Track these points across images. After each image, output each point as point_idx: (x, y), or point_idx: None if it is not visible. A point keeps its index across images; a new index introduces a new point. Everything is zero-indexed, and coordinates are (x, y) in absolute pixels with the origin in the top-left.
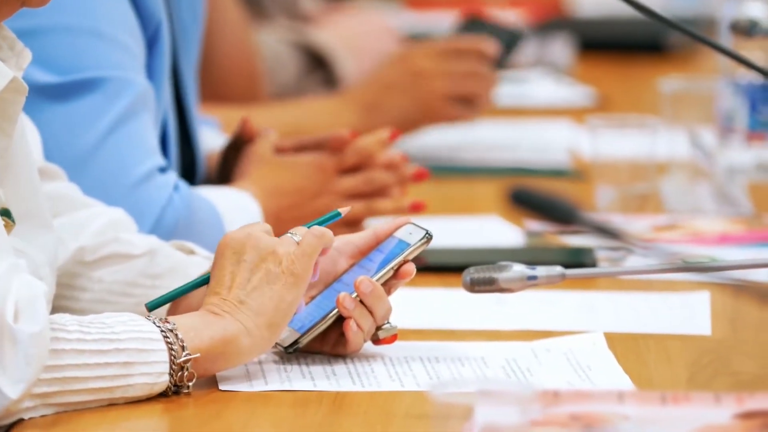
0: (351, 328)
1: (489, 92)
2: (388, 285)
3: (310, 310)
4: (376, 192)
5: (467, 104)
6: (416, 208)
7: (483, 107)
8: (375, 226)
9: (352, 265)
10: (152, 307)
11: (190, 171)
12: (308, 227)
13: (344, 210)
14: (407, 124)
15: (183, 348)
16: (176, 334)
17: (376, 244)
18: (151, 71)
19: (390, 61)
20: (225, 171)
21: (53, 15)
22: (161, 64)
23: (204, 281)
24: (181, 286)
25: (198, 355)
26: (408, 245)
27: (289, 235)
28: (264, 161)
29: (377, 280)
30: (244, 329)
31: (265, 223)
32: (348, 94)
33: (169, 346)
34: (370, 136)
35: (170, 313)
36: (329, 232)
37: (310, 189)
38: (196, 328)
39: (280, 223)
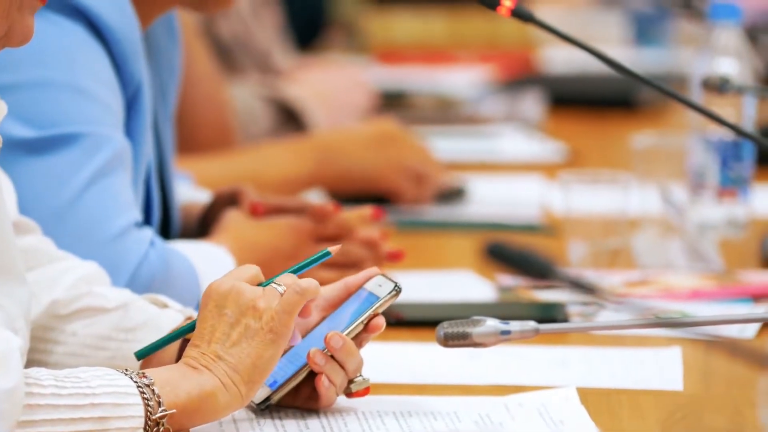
0: (323, 383)
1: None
2: (359, 338)
3: (281, 365)
4: (351, 264)
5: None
6: (395, 257)
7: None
8: (346, 278)
9: (323, 318)
10: (141, 355)
11: (164, 226)
12: (297, 268)
13: (334, 249)
14: None
15: (159, 404)
16: (153, 390)
17: (347, 296)
18: (131, 130)
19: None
20: (207, 224)
21: (33, 70)
22: (142, 123)
23: (191, 328)
24: (169, 334)
25: (174, 411)
26: (377, 298)
27: (273, 285)
28: (242, 218)
29: (347, 334)
30: (221, 385)
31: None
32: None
33: (146, 401)
34: (353, 211)
35: (144, 365)
36: (312, 286)
37: (285, 250)
38: (173, 382)
39: None
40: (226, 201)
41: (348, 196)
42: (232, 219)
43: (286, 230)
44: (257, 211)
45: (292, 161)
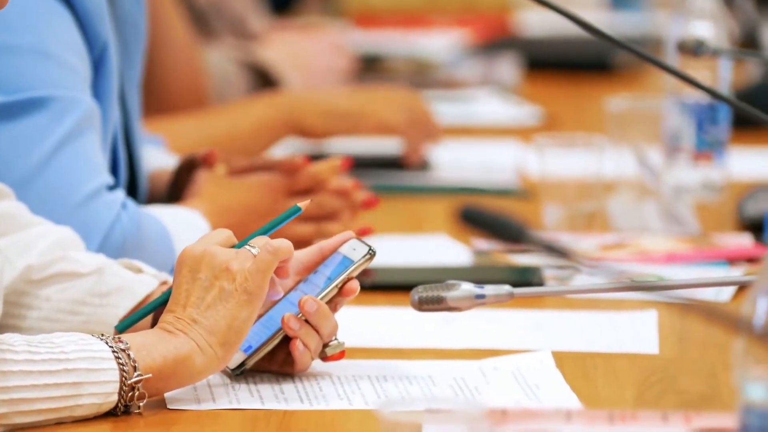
0: (297, 347)
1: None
2: (334, 302)
3: (256, 331)
4: (327, 216)
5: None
6: (364, 233)
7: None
8: (320, 242)
9: (297, 282)
10: (122, 328)
11: (131, 190)
12: (269, 227)
13: (303, 204)
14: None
15: (135, 368)
16: (128, 354)
17: (322, 259)
18: (98, 92)
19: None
20: (176, 189)
21: None
22: (109, 84)
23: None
24: (147, 305)
25: (149, 375)
26: (352, 262)
27: (247, 248)
28: (214, 181)
29: (322, 299)
30: (197, 348)
31: None
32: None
33: (121, 366)
34: (323, 162)
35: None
36: (285, 246)
37: (259, 208)
38: (148, 346)
39: None
40: (190, 165)
41: (341, 136)
42: (204, 182)
43: (258, 188)
44: (210, 161)
45: (266, 109)
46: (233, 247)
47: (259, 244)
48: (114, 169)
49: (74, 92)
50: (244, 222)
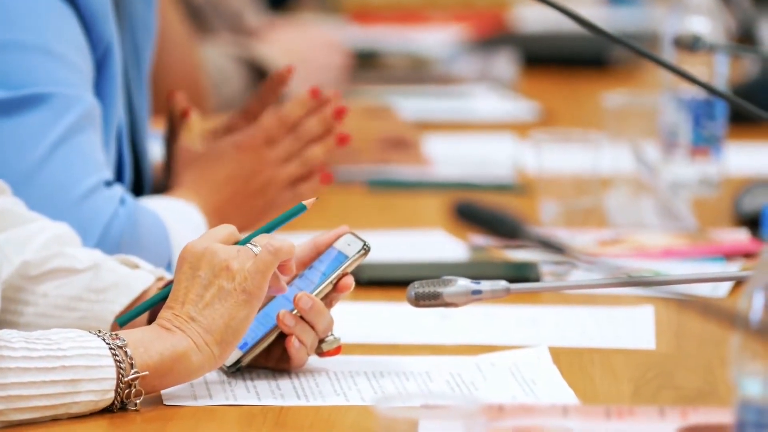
0: (293, 344)
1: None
2: (329, 298)
3: (252, 327)
4: (309, 144)
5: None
6: (343, 141)
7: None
8: (315, 237)
9: (293, 278)
10: (123, 322)
11: (137, 187)
12: (272, 225)
13: (309, 202)
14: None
15: (132, 365)
16: (125, 351)
17: (316, 255)
18: (101, 92)
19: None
20: (168, 167)
21: (1, 32)
22: (112, 84)
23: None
24: (149, 300)
25: (146, 372)
26: (346, 257)
27: (249, 246)
28: (191, 160)
29: (316, 295)
30: (194, 346)
31: (212, 223)
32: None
33: (118, 363)
34: (291, 102)
35: (114, 326)
36: (286, 246)
37: (244, 172)
38: (146, 343)
39: (224, 218)
40: (175, 130)
41: None
42: (184, 165)
43: (235, 152)
44: (185, 113)
45: None
46: (236, 243)
47: (261, 243)
48: (119, 168)
49: (75, 90)
50: (233, 192)
